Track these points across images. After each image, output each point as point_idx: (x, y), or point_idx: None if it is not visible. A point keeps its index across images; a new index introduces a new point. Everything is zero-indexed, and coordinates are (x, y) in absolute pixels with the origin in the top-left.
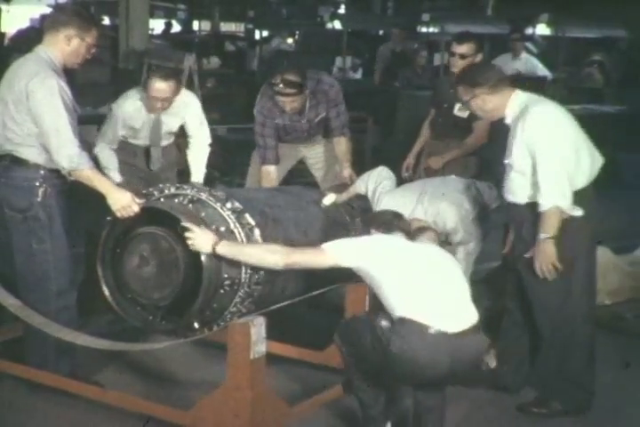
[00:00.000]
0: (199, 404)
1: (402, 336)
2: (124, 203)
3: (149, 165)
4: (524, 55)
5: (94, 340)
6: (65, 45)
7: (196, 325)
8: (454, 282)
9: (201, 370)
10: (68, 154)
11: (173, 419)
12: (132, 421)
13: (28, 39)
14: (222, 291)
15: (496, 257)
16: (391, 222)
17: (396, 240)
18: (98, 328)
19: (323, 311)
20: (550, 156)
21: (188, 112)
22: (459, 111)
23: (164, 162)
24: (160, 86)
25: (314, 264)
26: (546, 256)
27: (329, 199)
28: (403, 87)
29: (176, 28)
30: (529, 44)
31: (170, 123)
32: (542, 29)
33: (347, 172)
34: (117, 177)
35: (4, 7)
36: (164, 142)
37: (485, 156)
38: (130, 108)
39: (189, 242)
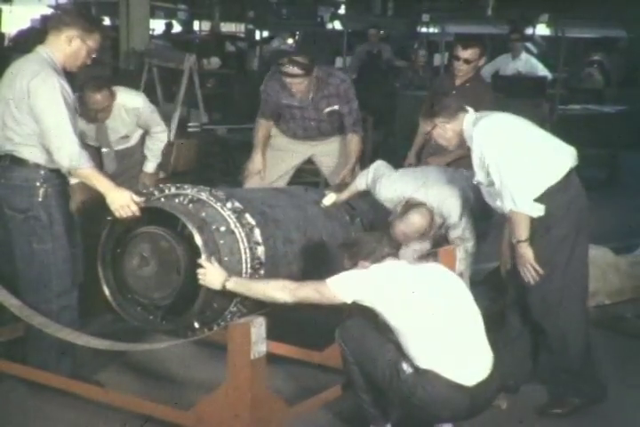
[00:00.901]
0: (199, 404)
1: (425, 389)
2: (122, 202)
3: (102, 167)
4: (523, 55)
5: (95, 340)
6: (66, 46)
7: (196, 325)
8: (469, 319)
9: (201, 370)
10: (68, 153)
11: (173, 419)
12: (132, 421)
13: (29, 39)
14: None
15: (496, 257)
16: (375, 250)
17: (397, 272)
18: (98, 328)
19: (323, 311)
20: (500, 166)
21: (132, 114)
22: None
23: (126, 164)
24: (96, 98)
25: (321, 301)
26: (523, 259)
27: (329, 199)
28: (402, 87)
29: (176, 28)
30: (529, 45)
31: (115, 128)
32: (542, 30)
33: (347, 170)
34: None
35: (7, 8)
36: (123, 146)
37: None
38: None
39: (200, 277)
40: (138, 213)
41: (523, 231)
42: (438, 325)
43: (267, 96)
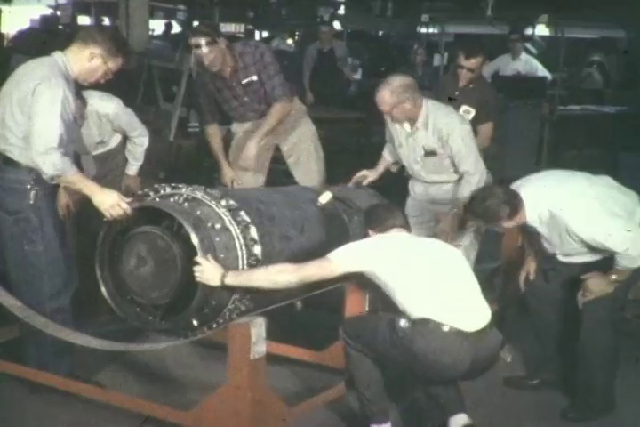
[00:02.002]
0: (199, 404)
1: (424, 336)
2: (110, 202)
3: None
4: (523, 56)
5: (95, 340)
6: (86, 61)
7: (195, 323)
8: (465, 279)
9: (201, 370)
10: (51, 161)
11: (173, 419)
12: (132, 421)
13: (29, 40)
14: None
15: (496, 257)
16: (384, 220)
17: (399, 240)
18: (97, 328)
19: (323, 311)
20: (605, 231)
21: (105, 120)
22: (463, 113)
23: (107, 167)
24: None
25: (324, 275)
26: (597, 293)
27: (325, 197)
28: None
29: (176, 28)
30: (528, 45)
31: (89, 134)
32: (542, 30)
33: (251, 144)
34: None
35: (6, 8)
36: (101, 150)
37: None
38: None
39: (197, 276)
40: (129, 211)
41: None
42: (434, 278)
43: (201, 92)
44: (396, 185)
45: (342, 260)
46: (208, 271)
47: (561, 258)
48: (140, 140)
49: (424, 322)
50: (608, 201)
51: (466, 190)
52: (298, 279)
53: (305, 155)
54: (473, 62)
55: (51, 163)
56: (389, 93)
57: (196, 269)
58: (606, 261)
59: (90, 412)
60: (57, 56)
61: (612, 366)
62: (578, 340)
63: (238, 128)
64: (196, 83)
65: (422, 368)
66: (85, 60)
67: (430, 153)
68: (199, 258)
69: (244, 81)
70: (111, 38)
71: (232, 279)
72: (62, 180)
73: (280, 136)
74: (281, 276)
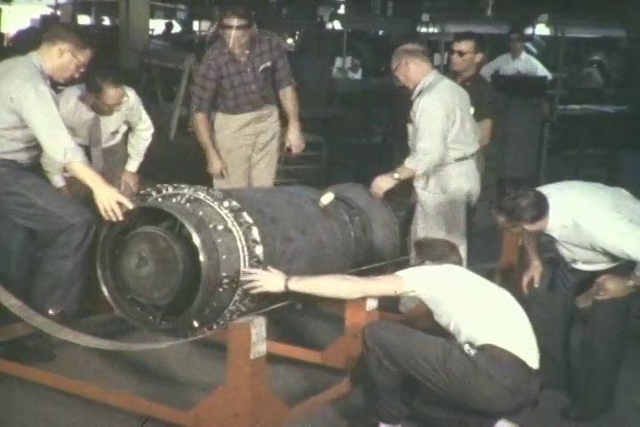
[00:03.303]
0: (199, 404)
1: (500, 363)
2: (108, 195)
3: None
4: (523, 55)
5: (95, 340)
6: (57, 58)
7: (195, 324)
8: (524, 319)
9: (201, 370)
10: (63, 148)
11: (173, 419)
12: (132, 421)
13: (29, 40)
14: (221, 289)
15: (494, 258)
16: (443, 255)
17: (463, 271)
18: (97, 328)
19: (323, 311)
20: (632, 243)
21: (124, 108)
22: None
23: (110, 163)
24: (117, 93)
25: (387, 292)
26: (612, 293)
27: (327, 198)
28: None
29: (176, 28)
30: (529, 45)
31: (108, 123)
32: (542, 29)
33: (293, 135)
34: (59, 181)
35: (6, 8)
36: (109, 143)
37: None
38: (63, 110)
39: (259, 284)
40: (127, 208)
41: None
42: (497, 311)
43: (207, 70)
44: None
45: (413, 280)
46: (271, 278)
47: (580, 265)
48: (146, 134)
49: (493, 349)
50: (629, 212)
51: (413, 165)
52: (360, 290)
53: (271, 154)
54: (462, 45)
55: (62, 149)
56: (393, 55)
57: (253, 277)
58: (622, 268)
59: (90, 412)
60: (32, 56)
61: (617, 367)
62: (582, 340)
63: (228, 121)
64: (204, 66)
65: (482, 396)
66: (56, 56)
67: (409, 121)
68: (249, 269)
69: (261, 67)
70: (75, 32)
71: (296, 285)
72: (70, 168)
73: (259, 135)
74: (344, 283)
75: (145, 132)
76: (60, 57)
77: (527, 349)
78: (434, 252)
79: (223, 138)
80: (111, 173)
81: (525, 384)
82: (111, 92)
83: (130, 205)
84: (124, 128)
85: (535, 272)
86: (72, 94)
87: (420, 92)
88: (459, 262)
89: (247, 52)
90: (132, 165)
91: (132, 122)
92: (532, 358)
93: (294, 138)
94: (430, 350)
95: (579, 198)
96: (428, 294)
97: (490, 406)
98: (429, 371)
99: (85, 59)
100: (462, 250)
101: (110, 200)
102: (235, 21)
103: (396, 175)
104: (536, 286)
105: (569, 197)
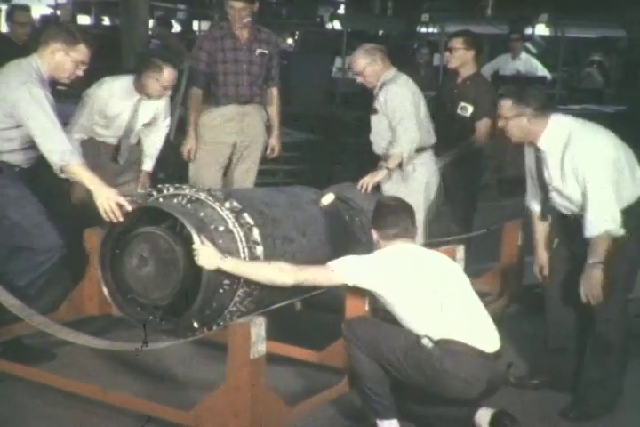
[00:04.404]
0: (199, 404)
1: (453, 355)
2: (107, 196)
3: (117, 158)
4: (523, 55)
5: (95, 340)
6: (51, 58)
7: (195, 325)
8: (473, 298)
9: (201, 370)
10: (60, 149)
11: (174, 419)
12: (132, 421)
13: (29, 39)
14: (222, 290)
15: (494, 257)
16: (388, 227)
17: (402, 257)
18: (97, 328)
19: (323, 311)
20: (601, 181)
21: (161, 102)
22: (461, 110)
23: (130, 158)
24: (174, 75)
25: (322, 282)
26: (592, 282)
27: (327, 199)
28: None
29: (176, 28)
30: (528, 45)
31: (146, 110)
32: (542, 30)
33: (275, 139)
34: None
35: (5, 7)
36: (133, 139)
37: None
38: (105, 95)
39: (195, 257)
40: (126, 209)
41: (600, 253)
42: (444, 300)
43: (199, 50)
44: None
45: (342, 272)
46: (206, 255)
47: (576, 211)
48: (166, 130)
49: (449, 342)
50: (620, 174)
51: (397, 149)
52: (295, 281)
53: (252, 158)
54: (454, 42)
55: (59, 152)
56: (362, 54)
57: (194, 247)
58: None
59: (90, 412)
60: (32, 58)
61: (619, 366)
62: (590, 337)
63: (212, 114)
64: (201, 38)
65: (444, 385)
66: (50, 57)
67: (374, 111)
68: (197, 242)
69: (258, 51)
70: (65, 30)
71: (230, 266)
72: (67, 170)
73: (241, 134)
74: (279, 275)
75: (163, 130)
76: (53, 57)
77: (481, 333)
78: (377, 220)
79: (204, 131)
80: (129, 175)
81: (483, 371)
82: (169, 74)
83: (129, 207)
84: (158, 121)
85: (542, 259)
86: (113, 81)
87: (383, 85)
88: (406, 232)
89: (248, 30)
90: (149, 165)
91: (159, 117)
92: (487, 343)
93: (275, 141)
94: (395, 341)
95: (583, 124)
96: (370, 288)
97: (454, 396)
98: (394, 361)
99: (80, 55)
100: (460, 250)
101: (110, 202)
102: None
103: (385, 165)
104: (544, 272)
105: (578, 121)
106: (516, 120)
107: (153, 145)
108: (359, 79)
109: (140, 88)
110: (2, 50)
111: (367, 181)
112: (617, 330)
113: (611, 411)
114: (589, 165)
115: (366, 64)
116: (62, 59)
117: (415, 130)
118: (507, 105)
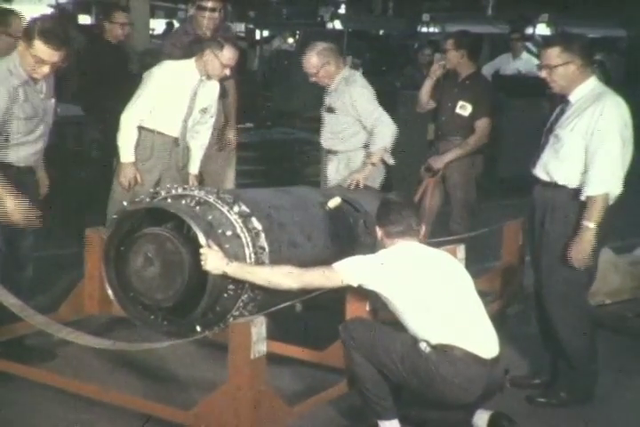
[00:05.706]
0: (200, 404)
1: (450, 361)
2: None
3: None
4: (524, 55)
5: (95, 340)
6: (19, 54)
7: (198, 328)
8: (475, 301)
9: (201, 370)
10: None
11: (174, 419)
12: (132, 421)
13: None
14: (226, 295)
15: (496, 257)
16: (393, 226)
17: (406, 259)
18: (98, 328)
19: (323, 311)
20: (614, 144)
21: (215, 91)
22: (460, 110)
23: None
24: (233, 53)
25: (327, 284)
26: (586, 245)
27: (334, 202)
28: (403, 87)
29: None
30: (529, 44)
31: (204, 96)
32: (542, 29)
33: (232, 132)
34: (129, 157)
35: (7, 7)
36: (196, 128)
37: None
38: (166, 75)
39: (202, 261)
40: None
41: (598, 215)
42: (447, 303)
43: (169, 57)
44: None
45: (346, 274)
46: (212, 259)
47: (554, 178)
48: (209, 132)
49: (447, 347)
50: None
51: (378, 141)
52: (300, 285)
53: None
54: (445, 43)
55: None
56: (315, 55)
57: (202, 251)
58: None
59: (90, 412)
60: (14, 55)
61: (583, 355)
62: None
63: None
64: (168, 45)
65: (441, 390)
66: (20, 51)
67: (330, 109)
68: (204, 246)
69: None
70: (27, 25)
71: (234, 270)
72: None
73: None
74: (284, 279)
75: (208, 132)
76: (20, 52)
77: (480, 338)
78: (381, 218)
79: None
80: (169, 174)
81: (480, 377)
82: (229, 52)
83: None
84: (210, 111)
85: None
86: (173, 63)
87: (341, 85)
88: (411, 232)
89: (212, 33)
90: (195, 168)
91: (210, 109)
92: (486, 348)
93: (232, 135)
94: (392, 345)
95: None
96: (375, 290)
97: (450, 401)
98: (390, 365)
99: (37, 52)
100: (461, 250)
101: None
102: (210, 3)
103: (368, 161)
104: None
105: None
106: (563, 68)
107: (200, 148)
108: (313, 79)
109: (201, 67)
110: (97, 49)
111: (357, 178)
112: (580, 310)
113: (588, 398)
114: (609, 127)
115: (320, 65)
116: (23, 53)
117: (392, 122)
118: (554, 52)
